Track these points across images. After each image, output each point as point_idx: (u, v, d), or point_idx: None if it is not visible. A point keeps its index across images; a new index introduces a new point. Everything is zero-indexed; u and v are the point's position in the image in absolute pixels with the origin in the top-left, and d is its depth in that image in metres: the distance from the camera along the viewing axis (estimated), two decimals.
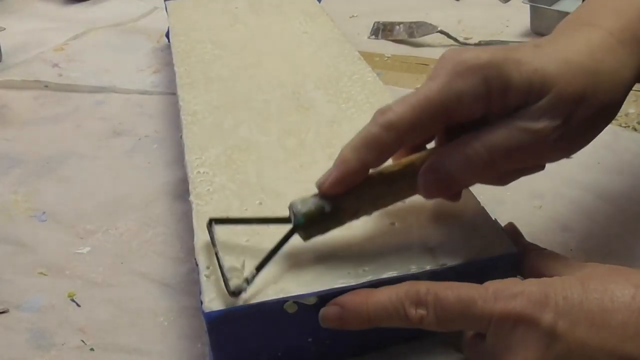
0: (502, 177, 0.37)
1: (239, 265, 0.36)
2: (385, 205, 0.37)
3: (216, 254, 0.36)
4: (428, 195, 0.36)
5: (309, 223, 0.35)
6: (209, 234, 0.38)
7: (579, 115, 0.34)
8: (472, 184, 0.37)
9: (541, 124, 0.33)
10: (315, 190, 0.36)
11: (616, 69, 0.35)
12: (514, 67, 0.33)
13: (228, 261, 0.36)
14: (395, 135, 0.34)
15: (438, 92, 0.34)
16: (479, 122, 0.35)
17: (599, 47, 0.35)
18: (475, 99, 0.34)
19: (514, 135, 0.34)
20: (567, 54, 0.34)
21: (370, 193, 0.36)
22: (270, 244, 0.36)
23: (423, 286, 0.33)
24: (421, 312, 0.32)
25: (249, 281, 0.34)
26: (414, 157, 0.37)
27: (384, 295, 0.33)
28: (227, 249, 0.37)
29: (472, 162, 0.34)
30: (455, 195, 0.38)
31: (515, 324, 0.30)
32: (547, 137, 0.33)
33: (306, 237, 0.36)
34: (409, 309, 0.33)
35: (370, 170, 0.36)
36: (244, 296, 0.34)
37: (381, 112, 0.35)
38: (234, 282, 0.34)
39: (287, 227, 0.36)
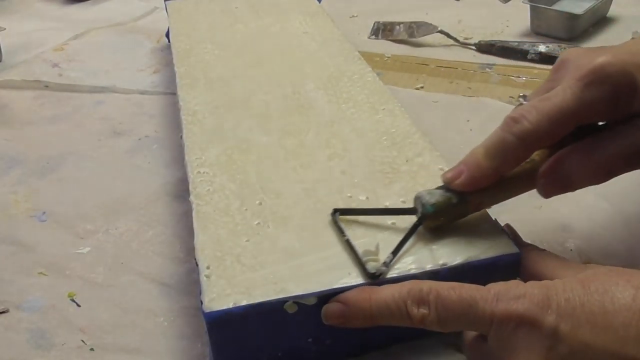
0: (608, 177, 0.38)
1: (372, 248, 0.37)
2: (506, 198, 0.39)
3: (348, 241, 0.37)
4: (545, 195, 0.38)
5: (436, 213, 0.37)
6: (336, 223, 0.39)
7: None
8: (587, 186, 0.38)
9: None
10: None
11: None
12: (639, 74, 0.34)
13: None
14: (529, 144, 0.36)
15: (571, 102, 0.35)
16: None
17: None
18: (606, 108, 0.35)
19: (635, 144, 0.35)
20: None
21: (495, 188, 0.38)
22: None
23: (426, 285, 0.33)
24: (423, 311, 0.32)
25: (387, 264, 0.36)
26: (534, 154, 0.38)
27: (387, 293, 0.34)
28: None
29: (593, 169, 0.36)
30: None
31: (517, 326, 0.30)
32: None
33: (432, 226, 0.38)
34: (411, 307, 0.33)
35: None
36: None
37: (514, 119, 0.36)
38: (372, 265, 0.36)
39: (412, 218, 0.38)
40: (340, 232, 0.38)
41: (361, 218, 0.40)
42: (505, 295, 0.31)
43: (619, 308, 0.28)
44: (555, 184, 0.37)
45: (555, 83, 0.36)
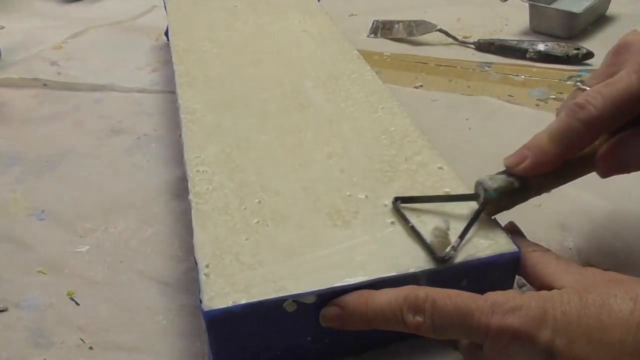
0: None
1: (443, 227, 0.37)
2: (566, 182, 0.39)
3: (413, 227, 0.38)
4: (603, 175, 0.38)
5: (499, 198, 0.37)
6: (399, 211, 0.39)
7: None
8: None
9: None
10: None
11: None
12: None
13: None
14: (595, 130, 0.36)
15: (637, 87, 0.34)
16: None
17: None
18: None
19: None
20: None
21: (556, 173, 0.38)
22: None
23: (422, 292, 0.33)
24: (418, 319, 0.32)
25: (455, 248, 0.36)
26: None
27: (384, 298, 0.33)
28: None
29: None
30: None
31: (512, 340, 0.30)
32: None
33: (494, 211, 0.38)
34: (407, 314, 0.33)
35: None
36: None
37: (579, 105, 0.35)
38: (440, 247, 0.36)
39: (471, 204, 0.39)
40: (404, 219, 0.39)
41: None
42: (502, 307, 0.30)
43: (616, 322, 0.28)
44: (614, 165, 0.37)
45: (616, 67, 0.36)
